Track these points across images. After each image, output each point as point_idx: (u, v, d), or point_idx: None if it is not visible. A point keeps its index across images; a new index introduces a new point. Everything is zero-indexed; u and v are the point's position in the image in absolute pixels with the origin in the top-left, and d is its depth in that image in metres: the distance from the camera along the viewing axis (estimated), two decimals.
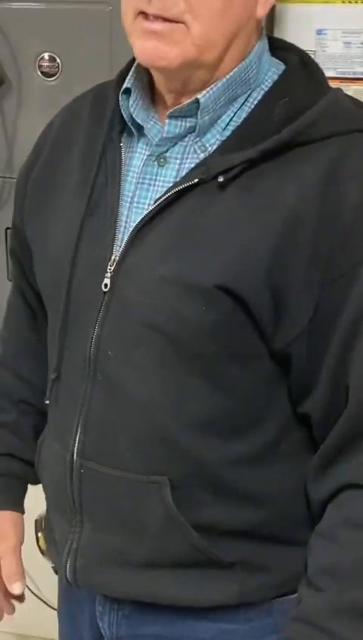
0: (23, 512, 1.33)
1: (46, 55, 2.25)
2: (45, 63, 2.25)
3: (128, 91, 1.12)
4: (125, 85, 1.12)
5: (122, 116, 1.13)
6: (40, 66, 2.26)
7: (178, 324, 1.04)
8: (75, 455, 1.13)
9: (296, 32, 1.89)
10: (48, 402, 1.21)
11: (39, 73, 2.26)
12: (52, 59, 2.24)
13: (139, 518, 1.10)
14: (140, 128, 1.12)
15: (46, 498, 1.25)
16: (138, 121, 1.11)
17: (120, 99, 1.12)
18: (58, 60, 2.24)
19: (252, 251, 1.02)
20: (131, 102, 1.12)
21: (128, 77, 1.12)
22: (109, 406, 1.10)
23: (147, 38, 1.03)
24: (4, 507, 1.31)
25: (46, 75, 2.26)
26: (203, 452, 1.09)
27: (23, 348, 1.34)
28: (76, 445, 1.13)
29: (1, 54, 2.29)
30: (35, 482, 1.32)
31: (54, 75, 2.25)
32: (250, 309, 1.03)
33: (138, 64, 1.11)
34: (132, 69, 1.13)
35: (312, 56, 1.16)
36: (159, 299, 1.05)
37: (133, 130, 1.13)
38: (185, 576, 1.12)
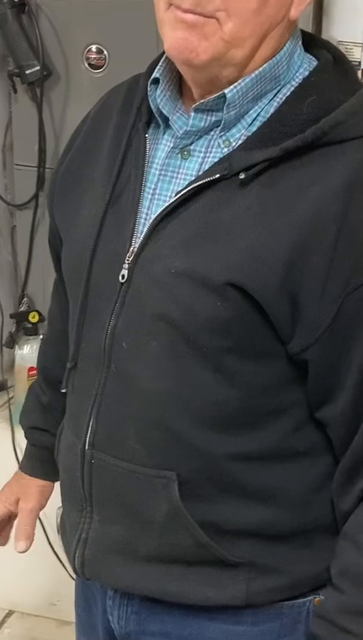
0: (53, 481, 1.39)
1: (93, 47, 2.25)
2: (93, 55, 2.26)
3: (156, 82, 1.11)
4: (153, 75, 1.11)
5: (149, 106, 1.12)
6: (87, 58, 2.27)
7: (191, 318, 1.04)
8: (86, 444, 1.14)
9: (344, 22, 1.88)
10: (64, 390, 1.22)
11: (86, 65, 2.27)
12: (99, 51, 2.25)
13: (146, 512, 1.10)
14: (166, 120, 1.11)
15: (60, 487, 1.26)
16: (164, 112, 1.10)
17: (149, 89, 1.11)
18: (105, 52, 2.25)
19: (268, 251, 1.01)
20: (158, 92, 1.10)
21: (157, 67, 1.11)
22: (120, 398, 1.10)
23: (178, 27, 1.01)
24: (35, 475, 1.40)
25: (93, 67, 2.27)
26: (213, 447, 1.08)
27: (63, 334, 1.34)
28: (88, 435, 1.13)
29: (49, 47, 2.30)
30: None
31: (101, 67, 2.26)
32: (264, 308, 1.02)
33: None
34: (162, 58, 1.11)
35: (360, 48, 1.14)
36: (173, 292, 1.04)
37: (159, 121, 1.12)
38: (190, 574, 1.12)
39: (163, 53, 1.12)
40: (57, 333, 1.37)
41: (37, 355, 1.49)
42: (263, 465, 1.09)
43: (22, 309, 2.51)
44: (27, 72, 2.30)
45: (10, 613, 2.61)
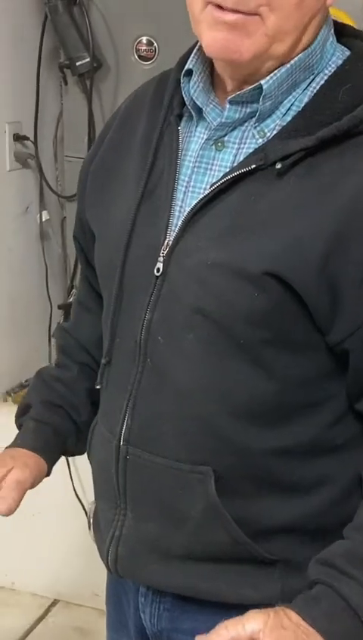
0: (49, 464, 1.27)
1: (144, 39, 2.26)
2: (143, 47, 2.26)
3: (189, 74, 1.10)
4: (187, 66, 1.10)
5: (181, 99, 1.12)
6: (137, 50, 2.27)
7: (228, 310, 1.03)
8: (121, 440, 1.13)
9: None
10: (98, 386, 1.20)
11: (136, 57, 2.28)
12: (149, 43, 2.25)
13: (181, 509, 1.09)
14: (199, 112, 1.10)
15: (93, 482, 1.25)
16: (198, 104, 1.09)
17: (182, 81, 1.11)
18: (155, 44, 2.24)
19: (307, 241, 1.00)
20: (192, 84, 1.09)
21: (190, 58, 1.10)
22: (156, 392, 1.10)
23: (218, 29, 1.00)
24: (37, 452, 1.25)
25: (143, 59, 2.27)
26: (250, 441, 1.07)
27: (89, 332, 1.32)
28: (123, 430, 1.12)
29: (99, 38, 2.31)
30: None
31: (150, 59, 2.26)
32: (303, 298, 1.01)
33: (201, 46, 1.08)
34: (194, 50, 1.10)
35: None
36: (210, 284, 1.03)
37: (193, 113, 1.11)
38: (225, 571, 1.11)
39: (193, 46, 1.11)
40: (80, 332, 1.34)
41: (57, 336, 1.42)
42: (301, 459, 1.08)
43: (70, 300, 2.52)
44: (77, 64, 2.31)
45: (54, 603, 2.64)
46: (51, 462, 1.28)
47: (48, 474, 1.28)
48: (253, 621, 0.93)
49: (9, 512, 1.15)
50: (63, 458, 2.49)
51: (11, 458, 1.22)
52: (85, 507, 2.44)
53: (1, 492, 1.15)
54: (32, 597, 2.65)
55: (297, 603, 0.97)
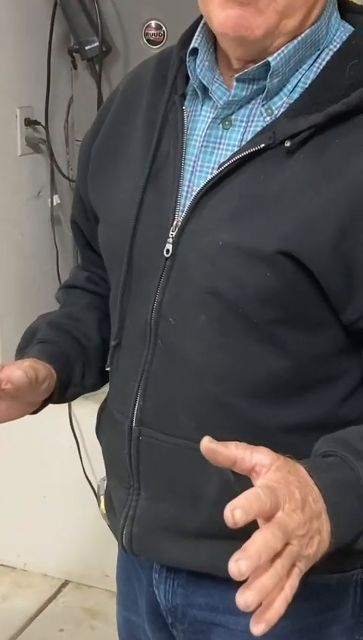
0: (58, 374, 1.20)
1: (153, 23, 2.25)
2: (151, 31, 2.26)
3: (194, 52, 1.09)
4: (192, 45, 1.08)
5: (184, 79, 1.11)
6: (146, 34, 2.27)
7: (240, 290, 1.02)
8: (133, 422, 1.13)
9: None
10: (108, 369, 1.20)
11: (145, 41, 2.27)
12: (158, 27, 2.25)
13: (195, 487, 1.09)
14: (205, 90, 1.09)
15: (105, 463, 1.25)
16: (204, 82, 1.08)
17: (187, 60, 1.09)
18: (164, 28, 2.24)
19: (319, 219, 0.99)
20: (197, 63, 1.08)
21: (195, 37, 1.08)
22: (168, 374, 1.09)
23: (228, 6, 0.99)
24: (42, 360, 1.18)
25: (152, 42, 2.27)
26: (264, 419, 1.07)
27: (82, 317, 1.31)
28: (135, 412, 1.12)
29: (108, 23, 2.31)
30: (77, 386, 1.25)
31: (159, 43, 2.26)
32: (317, 277, 1.00)
33: (204, 23, 1.08)
34: (199, 28, 1.09)
35: None
36: (221, 265, 1.02)
37: (198, 92, 1.10)
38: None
39: (196, 24, 1.10)
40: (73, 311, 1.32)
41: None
42: (315, 435, 1.06)
43: None
44: (87, 48, 2.31)
45: (65, 584, 2.67)
46: (60, 373, 1.20)
47: (56, 392, 1.20)
48: (262, 455, 0.86)
49: (20, 380, 1.08)
50: (72, 440, 2.53)
51: (21, 360, 1.16)
52: (95, 487, 2.46)
53: (17, 367, 1.09)
54: (43, 578, 2.68)
55: (307, 463, 0.91)
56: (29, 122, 2.49)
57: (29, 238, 2.57)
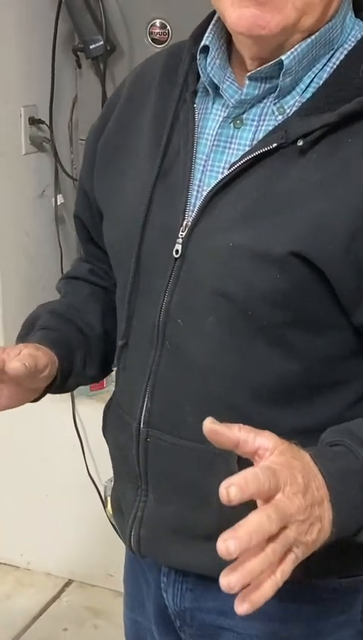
0: (60, 359, 1.18)
1: (157, 22, 2.25)
2: (156, 30, 2.26)
3: (205, 50, 1.08)
4: (203, 43, 1.07)
5: (195, 76, 1.10)
6: (151, 33, 2.26)
7: (249, 292, 1.01)
8: (141, 423, 1.12)
9: None
10: (115, 369, 1.19)
11: (150, 40, 2.27)
12: (163, 26, 2.24)
13: (204, 489, 1.07)
14: (216, 89, 1.08)
15: (113, 464, 1.24)
16: (215, 81, 1.07)
17: (198, 58, 1.08)
18: (168, 27, 2.24)
19: (332, 219, 0.97)
20: (209, 60, 1.07)
21: (206, 34, 1.07)
22: (177, 375, 1.08)
23: (244, 4, 0.98)
24: (43, 345, 1.16)
25: (156, 42, 2.26)
26: (271, 421, 1.04)
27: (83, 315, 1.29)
28: (143, 413, 1.12)
29: (112, 21, 2.31)
30: (79, 375, 1.24)
31: (164, 42, 2.25)
32: (328, 278, 0.99)
33: (217, 20, 1.07)
34: (210, 26, 1.08)
35: None
36: (231, 266, 1.01)
37: (209, 90, 1.09)
38: None
39: (208, 20, 1.09)
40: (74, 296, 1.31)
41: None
42: None
43: None
44: (91, 47, 2.31)
45: (68, 583, 2.67)
46: (62, 359, 1.18)
47: (58, 379, 1.18)
48: (265, 438, 0.85)
49: (18, 371, 1.05)
50: (76, 440, 2.53)
51: (22, 344, 1.14)
52: (99, 487, 2.46)
53: (15, 359, 1.07)
54: (47, 577, 2.68)
55: (312, 450, 0.90)
56: (34, 121, 2.48)
57: (33, 237, 2.57)
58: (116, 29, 2.32)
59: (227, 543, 0.74)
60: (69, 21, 2.37)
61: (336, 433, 0.97)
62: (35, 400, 1.19)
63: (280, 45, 1.02)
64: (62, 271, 2.60)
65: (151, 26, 2.26)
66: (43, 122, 2.49)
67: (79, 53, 2.37)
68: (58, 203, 2.59)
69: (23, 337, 1.23)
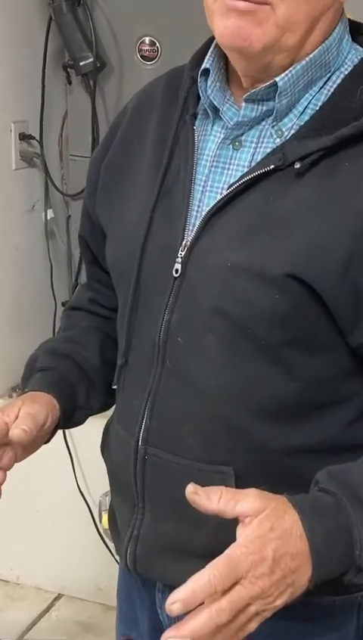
0: (60, 402, 1.20)
1: (146, 39, 2.27)
2: (145, 47, 2.28)
3: (205, 73, 1.09)
4: (204, 66, 1.09)
5: (195, 98, 1.11)
6: (140, 50, 2.28)
7: (249, 311, 1.02)
8: (140, 441, 1.12)
9: None
10: (115, 387, 1.20)
11: (139, 57, 2.29)
12: (152, 43, 2.26)
13: None
14: (216, 111, 1.09)
15: (110, 482, 1.24)
16: (215, 103, 1.09)
17: (199, 81, 1.10)
18: (158, 44, 2.26)
19: (329, 241, 0.99)
20: (209, 83, 1.09)
21: (206, 57, 1.09)
22: (176, 393, 1.09)
23: (229, 16, 0.99)
24: (44, 391, 1.20)
25: (146, 59, 2.28)
26: (271, 440, 1.06)
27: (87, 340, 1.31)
28: (142, 431, 1.12)
29: (102, 38, 2.33)
30: (84, 408, 1.26)
31: (153, 59, 2.27)
32: (324, 300, 1.00)
33: (216, 44, 1.08)
34: (211, 49, 1.09)
35: None
36: (230, 286, 1.03)
37: (209, 112, 1.10)
38: None
39: (208, 44, 1.11)
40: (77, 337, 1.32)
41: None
42: (321, 458, 1.06)
43: None
44: (81, 63, 2.33)
45: (58, 597, 2.66)
46: (62, 399, 1.20)
47: (62, 420, 1.20)
48: (247, 505, 0.87)
49: (20, 438, 1.09)
50: (66, 455, 2.53)
51: (20, 399, 1.18)
52: (89, 501, 2.46)
53: (14, 425, 1.10)
54: (37, 591, 2.67)
55: (302, 505, 0.91)
56: (24, 137, 2.50)
57: (23, 252, 2.58)
58: (105, 46, 2.34)
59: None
60: (59, 38, 2.39)
61: (332, 480, 0.96)
62: (46, 442, 1.23)
63: (268, 65, 1.03)
64: (52, 286, 2.61)
65: (140, 43, 2.28)
66: (33, 138, 2.51)
67: (69, 69, 2.39)
68: (48, 217, 2.60)
69: (26, 380, 1.27)
